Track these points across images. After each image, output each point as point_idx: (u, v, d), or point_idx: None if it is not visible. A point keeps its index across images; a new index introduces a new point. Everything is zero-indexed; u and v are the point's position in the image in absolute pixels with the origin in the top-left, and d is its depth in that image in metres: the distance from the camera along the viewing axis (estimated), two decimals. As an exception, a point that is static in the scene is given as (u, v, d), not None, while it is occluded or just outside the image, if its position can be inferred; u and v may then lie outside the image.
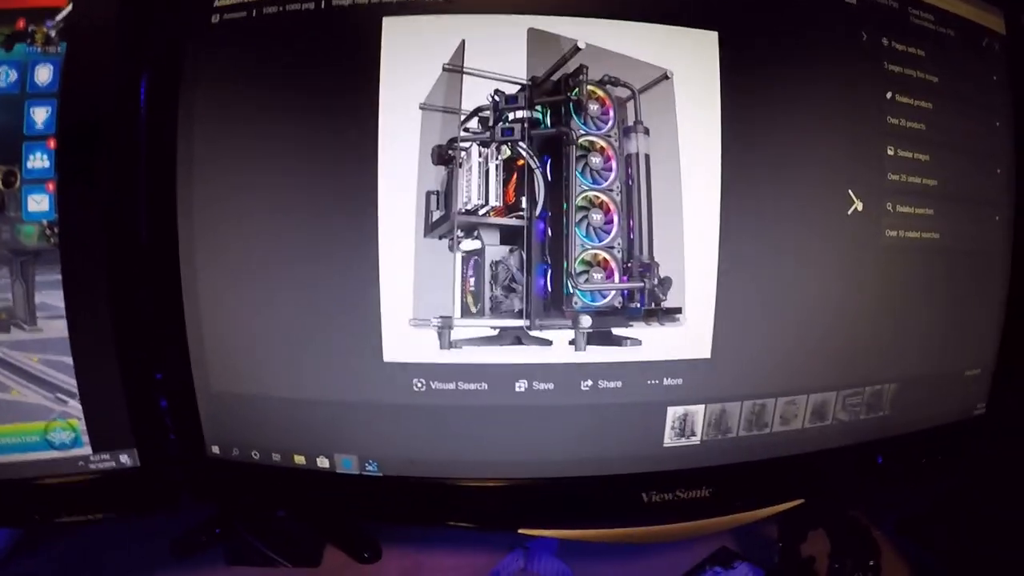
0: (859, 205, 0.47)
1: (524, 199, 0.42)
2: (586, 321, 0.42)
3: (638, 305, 0.43)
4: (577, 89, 0.42)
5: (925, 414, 0.54)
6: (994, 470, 0.62)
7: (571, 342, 0.43)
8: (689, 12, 0.44)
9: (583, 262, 0.42)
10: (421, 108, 0.42)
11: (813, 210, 0.46)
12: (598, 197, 0.42)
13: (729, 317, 0.45)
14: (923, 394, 0.53)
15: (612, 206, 0.42)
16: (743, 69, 0.44)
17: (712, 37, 0.44)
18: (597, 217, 0.42)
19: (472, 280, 0.42)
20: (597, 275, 0.44)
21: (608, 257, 0.42)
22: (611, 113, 0.43)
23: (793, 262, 0.47)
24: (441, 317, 0.42)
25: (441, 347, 0.43)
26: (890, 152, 0.48)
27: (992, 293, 0.55)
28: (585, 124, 0.43)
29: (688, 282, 0.44)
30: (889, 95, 0.48)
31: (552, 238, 0.43)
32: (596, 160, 0.42)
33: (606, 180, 0.43)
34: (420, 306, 0.42)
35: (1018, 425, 0.58)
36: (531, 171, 0.42)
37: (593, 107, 0.42)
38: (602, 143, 0.43)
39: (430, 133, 0.41)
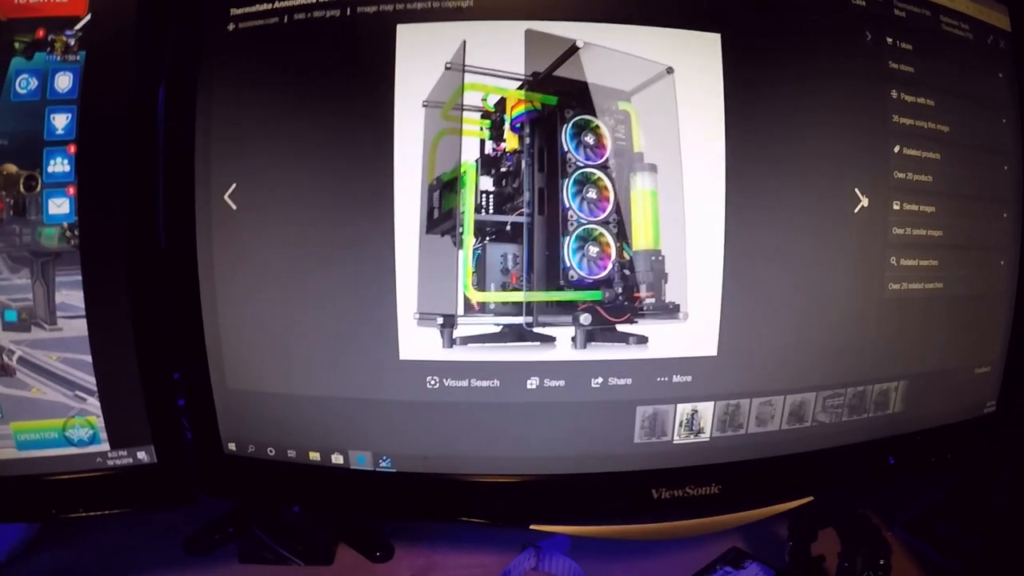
0: (865, 203, 0.48)
1: (527, 194, 0.44)
2: (586, 319, 0.43)
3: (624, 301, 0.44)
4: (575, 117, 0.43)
5: (935, 411, 0.54)
6: (1005, 468, 0.62)
7: (573, 338, 0.44)
8: (691, 15, 0.45)
9: (579, 237, 0.44)
10: (424, 105, 0.43)
11: (819, 208, 0.47)
12: (598, 177, 0.44)
13: (735, 315, 0.46)
14: (932, 391, 0.54)
15: (608, 190, 0.44)
16: (747, 70, 0.45)
17: (715, 39, 0.45)
18: (592, 194, 0.44)
19: (474, 277, 0.43)
20: (593, 248, 0.45)
21: (605, 232, 0.43)
22: (606, 149, 0.44)
23: (799, 261, 0.48)
24: (443, 315, 0.43)
25: (444, 345, 0.44)
26: (896, 150, 0.49)
27: (1001, 288, 0.55)
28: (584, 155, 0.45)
29: (693, 281, 0.45)
30: (894, 93, 0.49)
31: (549, 225, 0.44)
32: (592, 193, 0.44)
33: (603, 211, 0.44)
34: (424, 302, 0.43)
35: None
36: (530, 165, 0.43)
37: (588, 139, 0.44)
38: (599, 175, 0.44)
39: (432, 129, 0.43)
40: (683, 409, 0.47)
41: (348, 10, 0.44)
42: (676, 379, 0.46)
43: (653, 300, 0.45)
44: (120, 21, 0.47)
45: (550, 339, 0.44)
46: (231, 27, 0.46)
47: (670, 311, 0.45)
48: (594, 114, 0.45)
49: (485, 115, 0.43)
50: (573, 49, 0.43)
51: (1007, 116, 0.54)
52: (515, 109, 0.43)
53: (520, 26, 0.44)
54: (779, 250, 0.47)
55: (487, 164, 0.44)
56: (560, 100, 0.44)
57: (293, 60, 0.45)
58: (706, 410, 0.48)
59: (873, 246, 0.49)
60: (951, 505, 0.68)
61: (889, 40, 0.49)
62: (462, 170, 0.43)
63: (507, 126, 0.44)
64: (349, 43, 0.44)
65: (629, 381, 0.46)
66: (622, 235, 0.44)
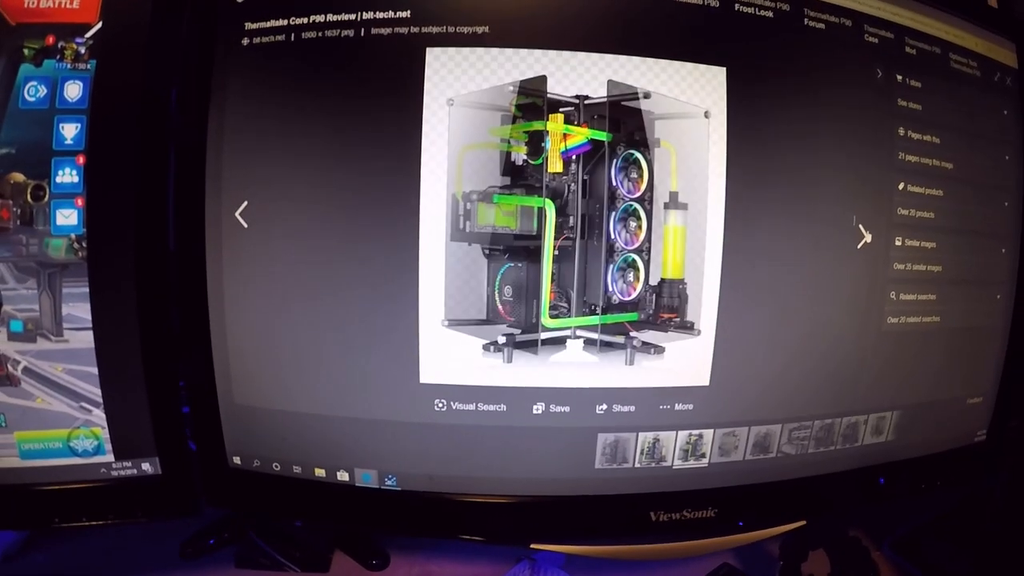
0: (868, 239, 0.50)
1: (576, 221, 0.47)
2: (637, 343, 0.47)
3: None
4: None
5: (927, 440, 0.57)
6: (996, 491, 0.65)
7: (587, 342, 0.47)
8: (698, 48, 0.46)
9: (620, 264, 0.47)
10: (448, 103, 0.44)
11: (823, 245, 0.49)
12: (636, 209, 0.47)
13: (736, 346, 0.48)
14: (925, 421, 0.56)
15: (644, 221, 0.47)
16: (752, 104, 0.47)
17: (720, 72, 0.46)
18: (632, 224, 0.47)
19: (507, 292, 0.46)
20: (631, 274, 0.48)
21: (639, 259, 0.47)
22: (646, 184, 0.47)
23: (800, 295, 0.49)
24: (505, 335, 0.46)
25: (505, 360, 0.46)
26: (900, 187, 0.51)
27: (996, 321, 0.58)
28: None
29: (688, 311, 0.47)
30: (901, 131, 0.51)
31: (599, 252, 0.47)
32: (632, 224, 0.47)
33: (638, 240, 0.47)
34: (456, 308, 0.45)
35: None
36: (584, 197, 0.46)
37: (634, 174, 0.47)
38: (638, 207, 0.47)
39: (460, 135, 0.44)
40: (683, 436, 0.49)
41: (364, 30, 0.45)
42: (678, 407, 0.48)
43: (677, 319, 0.48)
44: (132, 30, 0.47)
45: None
46: (245, 41, 0.46)
47: (688, 329, 0.48)
48: (639, 151, 0.46)
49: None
50: (637, 96, 0.45)
51: (1010, 153, 0.56)
52: (569, 141, 0.46)
53: (537, 55, 0.45)
54: (781, 285, 0.49)
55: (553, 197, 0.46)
56: (614, 137, 0.46)
57: (308, 78, 0.45)
58: (706, 437, 0.50)
59: (874, 281, 0.51)
60: (940, 525, 0.71)
61: (899, 77, 0.51)
62: (539, 204, 0.45)
63: (550, 153, 0.46)
64: (370, 63, 0.45)
65: (632, 408, 0.48)
66: (650, 262, 0.47)
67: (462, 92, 0.44)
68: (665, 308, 0.47)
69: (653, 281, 0.47)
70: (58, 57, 0.46)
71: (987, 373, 0.59)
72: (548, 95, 0.45)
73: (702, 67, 0.46)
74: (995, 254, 0.57)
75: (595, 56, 0.45)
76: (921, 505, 0.70)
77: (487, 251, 0.46)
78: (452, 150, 0.44)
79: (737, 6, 0.46)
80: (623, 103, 0.45)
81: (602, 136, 0.46)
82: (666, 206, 0.46)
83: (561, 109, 0.45)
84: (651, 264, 0.47)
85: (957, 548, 0.67)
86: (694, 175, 0.46)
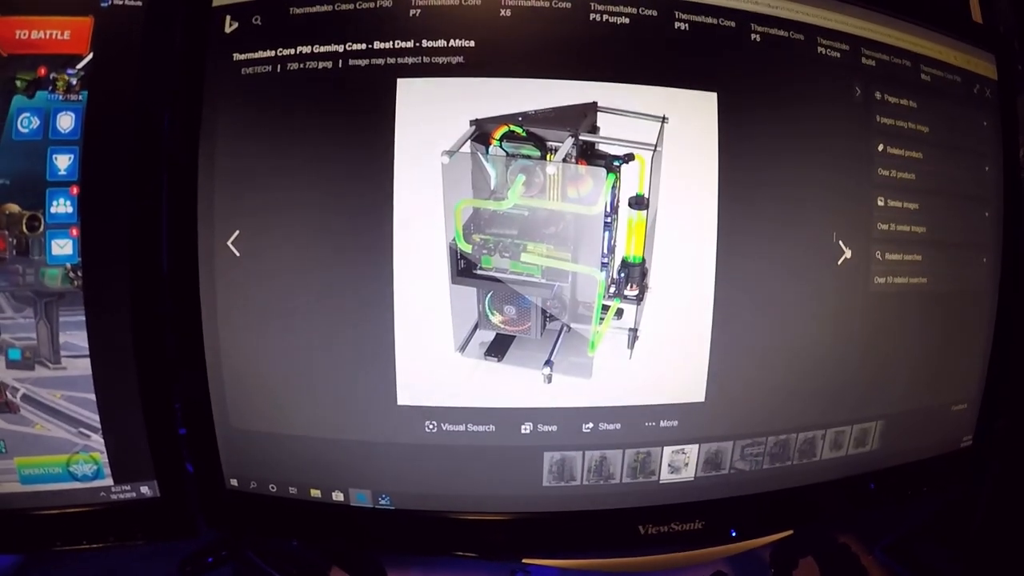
0: (848, 254, 0.53)
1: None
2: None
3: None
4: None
5: (912, 448, 0.60)
6: (982, 493, 0.68)
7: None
8: (689, 74, 0.49)
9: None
10: (444, 154, 0.47)
11: (805, 261, 0.52)
12: None
13: (722, 363, 0.51)
14: (910, 429, 0.59)
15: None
16: (741, 127, 0.50)
17: (711, 98, 0.49)
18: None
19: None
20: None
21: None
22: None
23: (785, 311, 0.52)
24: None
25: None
26: (880, 203, 0.54)
27: (978, 330, 0.61)
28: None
29: (682, 330, 0.50)
30: (881, 147, 0.54)
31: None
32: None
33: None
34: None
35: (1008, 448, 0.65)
36: None
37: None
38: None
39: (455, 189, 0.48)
40: (669, 451, 0.52)
41: (345, 62, 0.47)
42: (663, 424, 0.51)
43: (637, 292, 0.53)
44: (123, 61, 0.49)
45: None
46: (234, 73, 0.48)
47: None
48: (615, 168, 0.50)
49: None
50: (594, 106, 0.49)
51: (990, 164, 0.59)
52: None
53: (518, 83, 0.47)
54: (766, 301, 0.52)
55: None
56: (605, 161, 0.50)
57: (295, 109, 0.48)
58: (691, 452, 0.53)
59: (856, 295, 0.54)
60: (931, 528, 0.74)
61: (878, 95, 0.54)
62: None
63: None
64: (350, 94, 0.47)
65: (618, 426, 0.51)
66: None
67: (436, 120, 0.47)
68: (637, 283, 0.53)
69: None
70: (50, 88, 0.48)
71: (971, 380, 0.62)
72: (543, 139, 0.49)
73: (694, 92, 0.49)
74: (976, 264, 0.60)
75: (580, 84, 0.48)
76: (913, 509, 0.73)
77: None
78: (448, 204, 0.48)
79: (715, 30, 0.49)
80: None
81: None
82: (631, 204, 0.51)
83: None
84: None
85: (949, 549, 0.70)
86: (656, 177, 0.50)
